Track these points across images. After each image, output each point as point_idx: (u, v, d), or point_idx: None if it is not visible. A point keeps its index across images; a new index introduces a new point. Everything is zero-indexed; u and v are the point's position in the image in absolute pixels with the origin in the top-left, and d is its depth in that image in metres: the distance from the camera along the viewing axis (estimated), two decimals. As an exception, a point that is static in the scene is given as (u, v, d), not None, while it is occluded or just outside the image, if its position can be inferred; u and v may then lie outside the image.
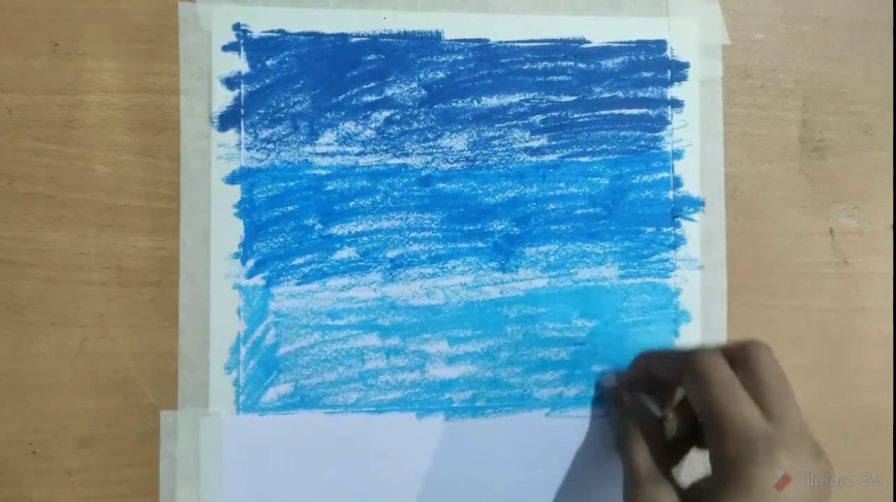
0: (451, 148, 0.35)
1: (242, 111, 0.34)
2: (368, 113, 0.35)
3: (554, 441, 0.35)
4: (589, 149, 0.36)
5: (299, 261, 0.34)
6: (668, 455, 0.32)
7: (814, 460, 0.28)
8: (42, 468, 0.33)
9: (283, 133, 0.34)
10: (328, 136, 0.34)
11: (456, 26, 0.35)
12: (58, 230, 0.33)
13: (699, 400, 0.29)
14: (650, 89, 0.36)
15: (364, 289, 0.34)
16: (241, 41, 0.34)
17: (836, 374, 0.37)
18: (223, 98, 0.34)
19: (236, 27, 0.34)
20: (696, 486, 0.30)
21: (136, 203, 0.33)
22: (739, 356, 0.29)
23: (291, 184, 0.34)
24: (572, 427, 0.35)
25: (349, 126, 0.34)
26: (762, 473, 0.26)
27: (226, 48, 0.34)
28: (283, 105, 0.34)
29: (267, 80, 0.34)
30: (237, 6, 0.34)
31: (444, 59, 0.35)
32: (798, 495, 0.27)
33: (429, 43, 0.35)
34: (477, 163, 0.35)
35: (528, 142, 0.35)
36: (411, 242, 0.35)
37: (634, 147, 0.36)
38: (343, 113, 0.34)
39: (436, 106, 0.35)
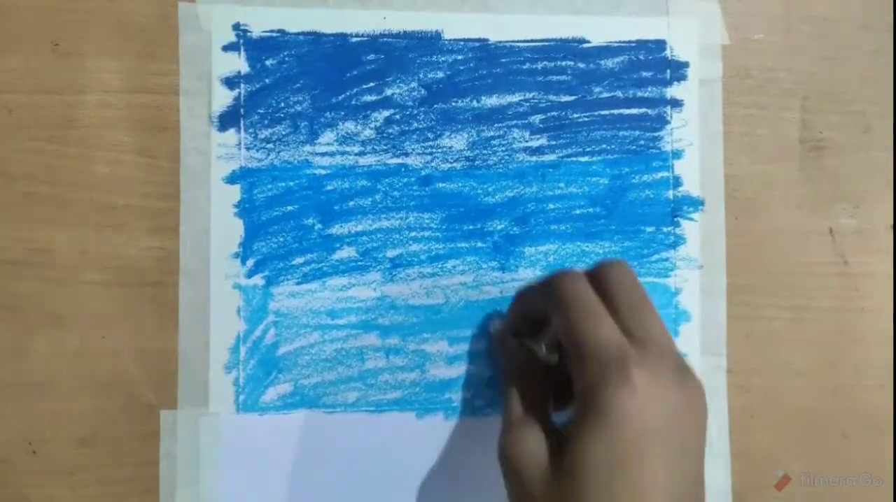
0: (450, 147, 0.35)
1: (242, 111, 0.34)
2: (368, 113, 0.35)
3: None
4: (588, 149, 0.36)
5: (299, 260, 0.34)
6: (559, 396, 0.31)
7: (676, 379, 0.26)
8: (42, 468, 0.33)
9: (283, 133, 0.34)
10: (328, 136, 0.34)
11: (456, 26, 0.35)
12: (58, 230, 0.33)
13: (560, 326, 0.27)
14: (650, 89, 0.36)
15: (364, 289, 0.34)
16: (241, 41, 0.34)
17: (836, 374, 0.37)
18: (223, 98, 0.34)
19: (236, 27, 0.34)
20: (568, 422, 0.28)
21: (136, 203, 0.33)
22: (598, 277, 0.28)
23: (291, 183, 0.34)
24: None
25: (349, 126, 0.35)
26: (616, 395, 0.24)
27: (226, 48, 0.34)
28: (282, 105, 0.34)
29: (267, 80, 0.34)
30: (237, 6, 0.34)
31: (443, 58, 0.35)
32: (658, 416, 0.25)
33: (429, 43, 0.35)
34: (477, 162, 0.35)
35: (527, 141, 0.35)
36: (411, 242, 0.35)
37: (634, 147, 0.36)
38: (343, 113, 0.35)
39: (435, 106, 0.35)
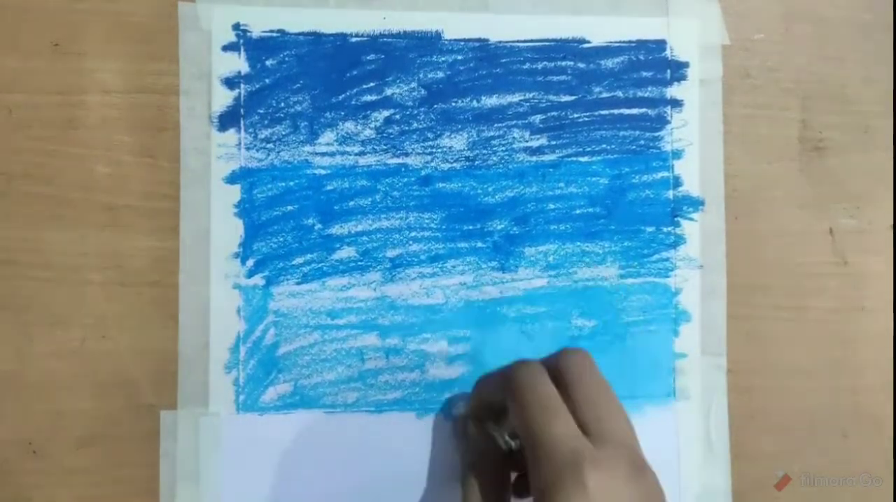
0: (450, 147, 0.35)
1: (242, 111, 0.34)
2: (368, 113, 0.35)
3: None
4: (588, 149, 0.36)
5: (299, 260, 0.34)
6: (519, 487, 0.30)
7: (632, 476, 0.25)
8: (42, 468, 0.33)
9: (283, 133, 0.34)
10: (328, 136, 0.34)
11: (456, 26, 0.35)
12: (58, 230, 0.33)
13: (516, 420, 0.27)
14: (650, 89, 0.36)
15: (364, 289, 0.34)
16: (241, 41, 0.34)
17: (836, 374, 0.37)
18: (223, 98, 0.34)
19: (236, 27, 0.34)
20: None
21: (136, 203, 0.33)
22: (557, 368, 0.27)
23: (291, 183, 0.34)
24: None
25: (349, 126, 0.35)
26: (570, 497, 0.24)
27: (226, 48, 0.34)
28: (282, 105, 0.34)
29: (267, 80, 0.34)
30: (237, 6, 0.34)
31: (443, 58, 0.35)
32: None
33: (428, 43, 0.35)
34: (476, 162, 0.35)
35: (527, 141, 0.35)
36: (411, 242, 0.35)
37: (634, 147, 0.36)
38: (343, 113, 0.35)
39: (435, 106, 0.35)
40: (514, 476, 0.31)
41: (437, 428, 0.34)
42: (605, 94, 0.36)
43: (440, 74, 0.35)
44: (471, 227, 0.35)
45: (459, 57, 0.35)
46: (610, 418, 0.26)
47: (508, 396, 0.27)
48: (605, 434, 0.26)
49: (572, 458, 0.24)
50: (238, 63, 0.34)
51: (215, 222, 0.34)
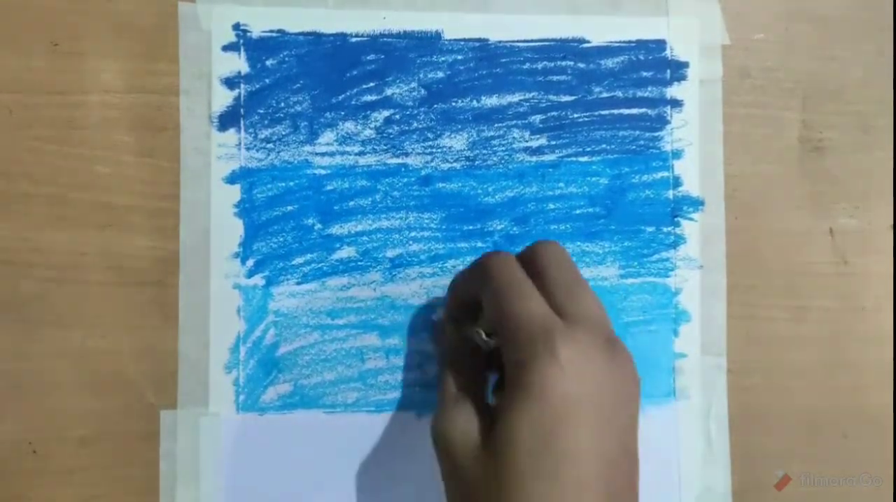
0: (450, 147, 0.35)
1: (242, 111, 0.34)
2: (368, 113, 0.35)
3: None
4: (588, 149, 0.36)
5: (299, 260, 0.34)
6: (501, 380, 0.30)
7: (605, 352, 0.25)
8: (42, 468, 0.33)
9: (283, 133, 0.34)
10: (328, 136, 0.34)
11: (456, 26, 0.35)
12: (58, 230, 0.33)
13: (489, 306, 0.27)
14: (650, 89, 0.36)
15: (364, 289, 0.34)
16: (241, 41, 0.34)
17: (836, 374, 0.37)
18: (223, 98, 0.34)
19: (236, 27, 0.34)
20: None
21: (136, 203, 0.33)
22: (529, 256, 0.28)
23: (291, 183, 0.34)
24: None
25: (349, 126, 0.35)
26: (542, 369, 0.24)
27: (226, 48, 0.34)
28: (282, 105, 0.34)
29: (267, 80, 0.34)
30: (237, 6, 0.34)
31: (443, 58, 0.35)
32: (585, 388, 0.24)
33: (428, 43, 0.35)
34: (476, 162, 0.35)
35: (527, 141, 0.35)
36: (411, 242, 0.35)
37: (634, 147, 0.36)
38: (343, 113, 0.35)
39: (435, 106, 0.35)
40: (492, 381, 0.31)
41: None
42: (604, 94, 0.36)
43: (440, 74, 0.35)
44: (471, 227, 0.35)
45: (459, 57, 0.35)
46: (581, 299, 0.27)
47: (481, 284, 0.28)
48: (576, 313, 0.26)
49: (544, 331, 0.25)
50: (238, 63, 0.34)
51: (215, 222, 0.34)
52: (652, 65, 0.36)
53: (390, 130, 0.35)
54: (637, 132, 0.36)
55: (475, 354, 0.30)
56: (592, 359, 0.25)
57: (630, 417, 0.26)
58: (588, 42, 0.36)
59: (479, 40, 0.35)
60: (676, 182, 0.36)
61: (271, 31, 0.34)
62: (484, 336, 0.29)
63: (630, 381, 0.26)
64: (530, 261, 0.28)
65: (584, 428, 0.24)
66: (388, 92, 0.35)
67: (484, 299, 0.28)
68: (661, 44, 0.36)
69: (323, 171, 0.34)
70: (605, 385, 0.25)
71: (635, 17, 0.36)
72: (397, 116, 0.35)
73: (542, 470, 0.24)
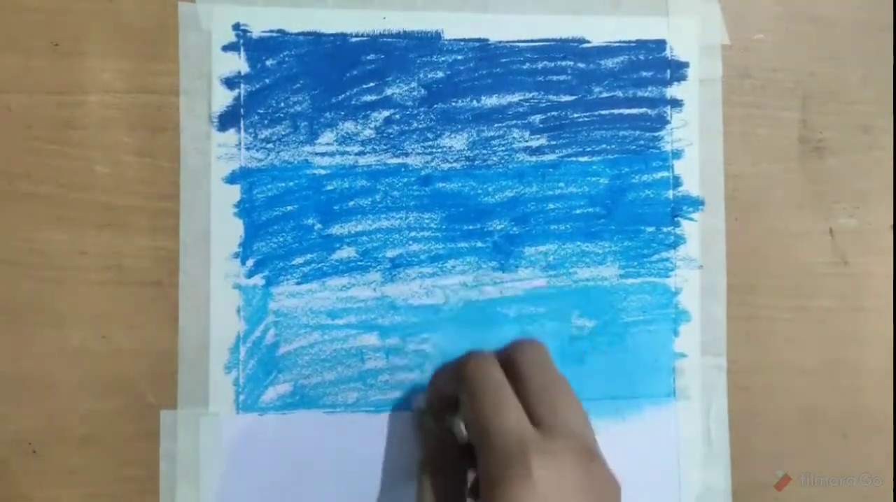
0: (450, 147, 0.35)
1: (242, 111, 0.34)
2: (368, 113, 0.35)
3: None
4: (588, 149, 0.36)
5: (299, 260, 0.34)
6: (477, 487, 0.30)
7: (579, 467, 0.25)
8: (42, 468, 0.33)
9: (283, 133, 0.34)
10: (328, 136, 0.34)
11: (456, 26, 0.35)
12: (58, 230, 0.33)
13: (466, 411, 0.26)
14: (650, 89, 0.36)
15: (364, 289, 0.34)
16: (241, 41, 0.34)
17: (836, 374, 0.37)
18: (223, 98, 0.34)
19: (236, 27, 0.34)
20: None
21: (136, 203, 0.33)
22: (509, 358, 0.27)
23: (291, 183, 0.34)
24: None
25: (349, 126, 0.35)
26: (515, 491, 0.23)
27: (226, 48, 0.34)
28: (282, 105, 0.34)
29: (267, 80, 0.34)
30: (237, 6, 0.34)
31: (443, 58, 0.35)
32: None
33: (428, 43, 0.35)
34: (476, 162, 0.35)
35: (527, 141, 0.35)
36: (411, 242, 0.35)
37: (634, 147, 0.36)
38: (343, 113, 0.35)
39: (435, 105, 0.35)
40: (473, 476, 0.31)
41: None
42: (605, 94, 0.36)
43: (440, 74, 0.35)
44: (471, 227, 0.35)
45: (459, 57, 0.35)
46: (560, 409, 0.26)
47: (459, 387, 0.27)
48: (554, 425, 0.26)
49: (518, 447, 0.24)
50: (238, 63, 0.34)
51: (215, 222, 0.34)
52: (652, 65, 0.36)
53: (390, 130, 0.35)
54: (637, 132, 0.36)
55: (455, 447, 0.30)
56: (568, 475, 0.24)
57: None
58: (588, 42, 0.36)
59: (479, 40, 0.35)
60: (676, 182, 0.36)
61: (271, 31, 0.34)
62: (464, 429, 0.29)
63: (610, 493, 0.26)
64: (510, 362, 0.27)
65: None
66: (388, 92, 0.35)
67: (461, 401, 0.27)
68: (661, 44, 0.36)
69: (323, 171, 0.34)
70: (580, 500, 0.24)
71: (635, 17, 0.36)
72: (397, 116, 0.35)
73: None
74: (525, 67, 0.36)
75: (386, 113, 0.35)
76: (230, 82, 0.34)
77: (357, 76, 0.35)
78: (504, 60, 0.35)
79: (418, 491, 0.29)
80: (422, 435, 0.33)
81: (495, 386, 0.26)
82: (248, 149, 0.34)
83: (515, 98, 0.35)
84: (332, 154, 0.34)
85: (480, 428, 0.26)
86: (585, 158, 0.36)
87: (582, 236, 0.36)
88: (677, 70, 0.37)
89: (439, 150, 0.35)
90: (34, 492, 0.33)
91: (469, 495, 0.30)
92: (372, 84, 0.35)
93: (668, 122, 0.36)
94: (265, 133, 0.34)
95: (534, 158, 0.35)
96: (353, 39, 0.35)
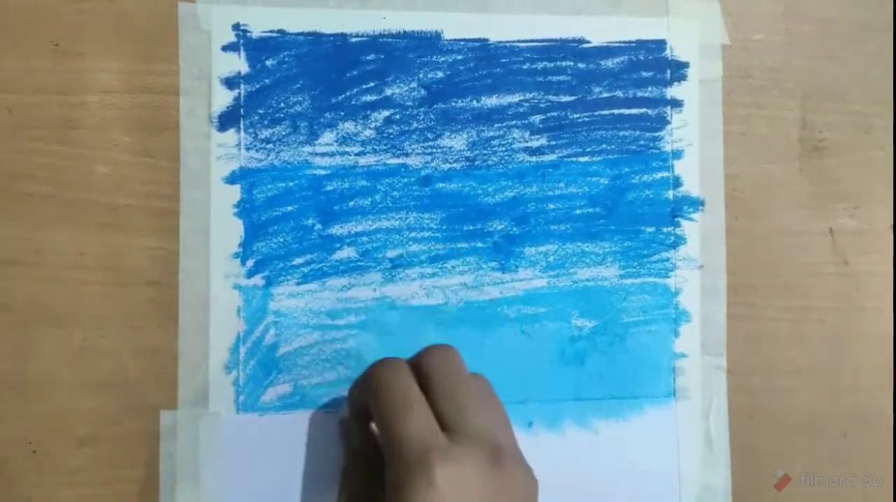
0: (450, 148, 0.35)
1: (242, 111, 0.34)
2: (368, 113, 0.35)
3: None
4: (588, 149, 0.36)
5: (299, 261, 0.34)
6: None
7: (488, 467, 0.24)
8: (42, 468, 0.33)
9: (283, 133, 0.34)
10: (328, 136, 0.34)
11: (456, 26, 0.35)
12: (58, 230, 0.33)
13: (375, 419, 0.26)
14: (650, 89, 0.36)
15: (364, 289, 0.34)
16: (241, 41, 0.34)
17: (836, 374, 0.37)
18: (223, 98, 0.34)
19: (236, 27, 0.34)
20: None
21: (136, 203, 0.33)
22: (419, 364, 0.27)
23: (291, 184, 0.34)
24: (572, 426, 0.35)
25: (349, 126, 0.35)
26: (417, 495, 0.23)
27: (225, 48, 0.34)
28: (282, 105, 0.34)
29: (267, 80, 0.34)
30: (237, 6, 0.34)
31: (443, 58, 0.35)
32: None
33: (428, 43, 0.35)
34: (476, 162, 0.35)
35: (527, 141, 0.35)
36: (411, 242, 0.35)
37: (634, 147, 0.36)
38: (342, 113, 0.35)
39: (435, 106, 0.35)
40: None
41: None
42: (605, 94, 0.36)
43: (440, 74, 0.35)
44: (471, 227, 0.35)
45: (459, 57, 0.35)
46: (469, 412, 0.26)
47: (369, 396, 0.27)
48: (463, 427, 0.25)
49: (422, 453, 0.24)
50: (238, 63, 0.34)
51: (215, 222, 0.34)
52: (652, 65, 0.36)
53: (390, 130, 0.35)
54: (637, 132, 0.36)
55: (372, 460, 0.29)
56: (473, 477, 0.24)
57: None
58: (588, 42, 0.36)
59: (479, 40, 0.35)
60: (676, 182, 0.36)
61: (271, 31, 0.34)
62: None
63: (520, 492, 0.25)
64: (419, 369, 0.27)
65: None
66: (388, 92, 0.35)
67: (373, 413, 0.27)
68: (661, 44, 0.36)
69: (323, 172, 0.34)
70: None
71: (635, 17, 0.36)
72: (397, 116, 0.35)
73: None
74: (525, 67, 0.36)
75: (386, 113, 0.35)
76: (230, 82, 0.34)
77: (357, 76, 0.35)
78: (504, 60, 0.35)
79: (338, 497, 0.29)
80: (346, 444, 0.32)
81: (402, 390, 0.26)
82: (248, 149, 0.34)
83: (515, 98, 0.35)
84: (332, 154, 0.34)
85: (386, 433, 0.25)
86: (585, 158, 0.36)
87: (582, 236, 0.36)
88: (677, 70, 0.37)
89: (439, 150, 0.35)
90: (34, 492, 0.33)
91: None
92: (372, 84, 0.35)
93: (668, 122, 0.36)
94: (265, 133, 0.34)
95: (534, 158, 0.35)
96: (353, 39, 0.35)
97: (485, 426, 0.26)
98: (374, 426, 0.29)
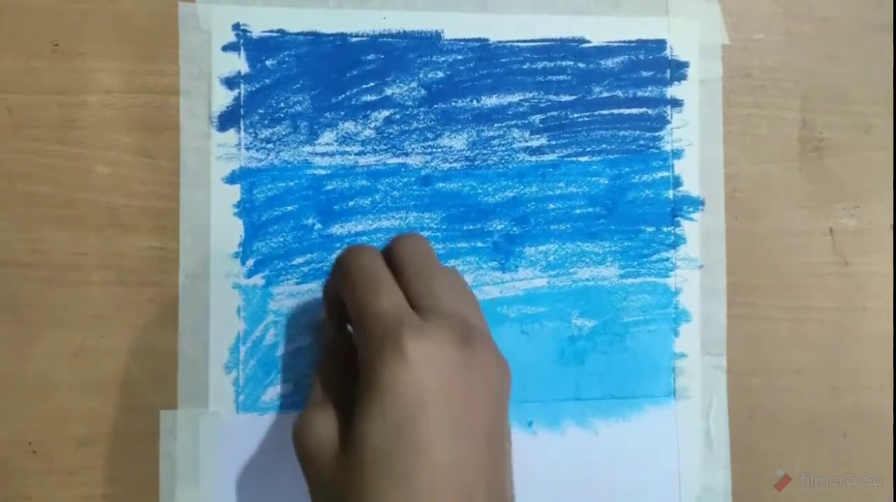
0: (450, 147, 0.35)
1: (242, 111, 0.34)
2: (368, 112, 0.35)
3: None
4: (588, 149, 0.36)
5: (299, 260, 0.34)
6: None
7: (459, 344, 0.24)
8: (42, 468, 0.33)
9: (283, 133, 0.34)
10: (328, 136, 0.34)
11: (456, 26, 0.35)
12: (58, 230, 0.33)
13: (347, 302, 0.26)
14: (650, 89, 0.36)
15: (364, 289, 0.34)
16: (241, 41, 0.34)
17: (836, 374, 0.37)
18: (223, 98, 0.34)
19: (236, 27, 0.34)
20: None
21: (136, 203, 0.33)
22: (389, 250, 0.27)
23: (291, 183, 0.34)
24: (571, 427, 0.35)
25: (349, 126, 0.35)
26: (389, 369, 0.23)
27: (225, 48, 0.34)
28: (282, 105, 0.34)
29: (267, 80, 0.34)
30: (237, 6, 0.34)
31: (443, 58, 0.35)
32: (435, 386, 0.23)
33: (428, 43, 0.35)
34: (476, 162, 0.35)
35: (527, 141, 0.35)
36: (411, 242, 0.35)
37: (634, 146, 0.36)
38: (343, 113, 0.35)
39: (435, 105, 0.35)
40: None
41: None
42: (605, 94, 0.36)
43: (440, 74, 0.35)
44: (471, 227, 0.35)
45: (459, 57, 0.35)
46: (439, 291, 0.26)
47: (340, 282, 0.27)
48: (433, 306, 0.25)
49: (393, 328, 0.24)
50: (238, 63, 0.34)
51: (215, 222, 0.34)
52: (652, 65, 0.36)
53: (390, 130, 0.35)
54: (637, 132, 0.36)
55: (346, 352, 0.29)
56: (444, 353, 0.24)
57: (493, 410, 0.25)
58: (588, 42, 0.36)
59: (479, 40, 0.35)
60: (676, 182, 0.36)
61: (271, 31, 0.34)
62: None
63: (491, 374, 0.25)
64: (390, 255, 0.27)
65: (435, 425, 0.23)
66: (388, 92, 0.35)
67: (344, 297, 0.27)
68: (661, 44, 0.36)
69: (323, 171, 0.34)
70: (458, 379, 0.24)
71: (635, 16, 0.36)
72: (397, 116, 0.35)
73: (394, 470, 0.23)
74: (525, 67, 0.36)
75: (386, 113, 0.35)
76: (230, 82, 0.34)
77: (357, 76, 0.35)
78: (504, 60, 0.35)
79: (307, 398, 0.29)
80: (322, 341, 0.32)
81: (372, 271, 0.26)
82: (248, 149, 0.34)
83: (515, 98, 0.35)
84: (332, 154, 0.34)
85: (357, 313, 0.25)
86: (585, 158, 0.36)
87: (582, 236, 0.36)
88: (677, 70, 0.37)
89: (439, 150, 0.35)
90: (34, 492, 0.33)
91: None
92: (372, 84, 0.35)
93: (668, 122, 0.36)
94: (265, 133, 0.34)
95: (534, 158, 0.35)
96: (353, 39, 0.35)
97: (456, 307, 0.26)
98: (350, 327, 0.29)
